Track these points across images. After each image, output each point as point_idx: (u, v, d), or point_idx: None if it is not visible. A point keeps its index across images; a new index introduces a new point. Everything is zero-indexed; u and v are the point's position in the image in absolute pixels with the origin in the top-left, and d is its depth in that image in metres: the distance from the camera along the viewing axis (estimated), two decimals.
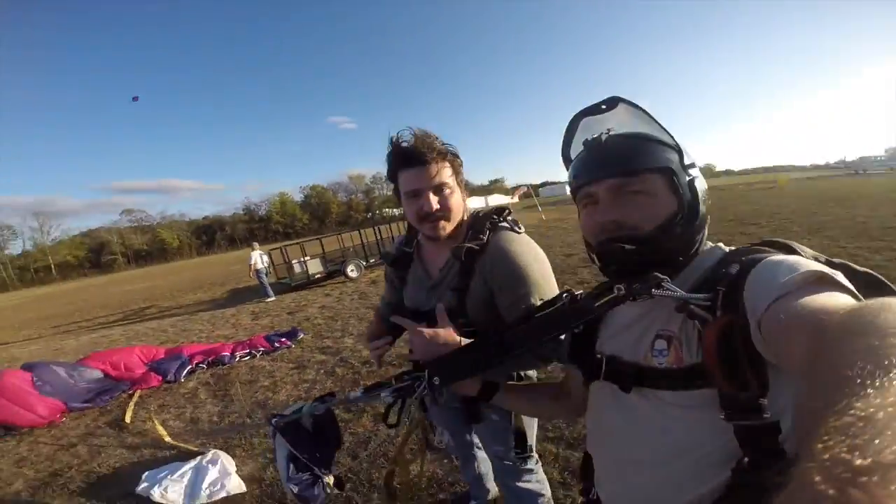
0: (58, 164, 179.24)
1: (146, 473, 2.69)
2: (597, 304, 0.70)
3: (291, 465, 0.99)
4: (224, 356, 5.03)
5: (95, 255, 79.07)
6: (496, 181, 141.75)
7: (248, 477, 2.61)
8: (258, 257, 10.45)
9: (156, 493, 2.44)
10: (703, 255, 0.73)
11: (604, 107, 0.75)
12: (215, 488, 2.47)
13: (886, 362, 0.27)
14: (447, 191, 1.15)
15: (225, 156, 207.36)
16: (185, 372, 4.75)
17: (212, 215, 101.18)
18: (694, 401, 0.64)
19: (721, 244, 0.75)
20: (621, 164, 0.70)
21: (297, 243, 12.24)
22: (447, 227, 1.18)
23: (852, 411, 0.23)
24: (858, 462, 0.19)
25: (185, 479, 2.56)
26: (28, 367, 4.34)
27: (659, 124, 0.73)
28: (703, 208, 0.71)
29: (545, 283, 1.15)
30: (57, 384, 4.18)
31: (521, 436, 1.33)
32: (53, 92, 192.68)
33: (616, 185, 0.70)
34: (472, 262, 1.17)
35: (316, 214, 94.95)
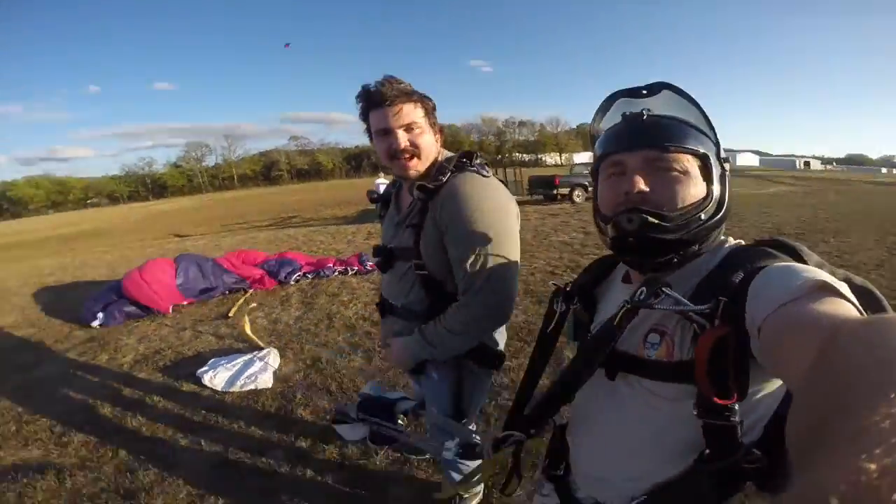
0: (247, 96, 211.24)
1: (212, 360, 3.01)
2: (616, 321, 0.68)
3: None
4: (326, 269, 5.39)
5: (267, 170, 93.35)
6: None
7: (282, 376, 2.84)
8: (380, 184, 11.11)
9: (206, 377, 2.77)
10: (713, 251, 0.73)
11: (644, 91, 0.74)
12: (250, 380, 2.72)
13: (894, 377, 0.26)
14: (417, 130, 1.16)
15: None
16: (293, 278, 5.18)
17: (361, 145, 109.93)
18: (673, 393, 0.67)
19: (730, 238, 0.75)
20: (661, 138, 0.69)
21: None
22: (418, 167, 1.18)
23: (867, 419, 0.22)
24: (871, 467, 0.19)
25: (234, 369, 2.83)
26: (177, 260, 5.02)
27: (704, 114, 0.72)
28: (727, 202, 0.71)
29: (498, 232, 1.13)
30: (192, 277, 4.77)
31: (457, 399, 1.32)
32: (245, 34, 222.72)
33: (652, 157, 0.69)
34: (426, 202, 1.17)
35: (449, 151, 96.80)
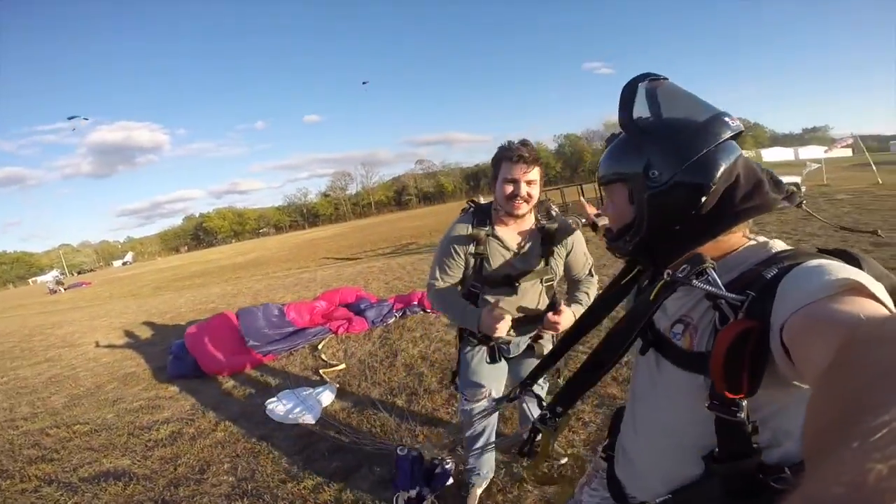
0: (381, 124, 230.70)
1: (283, 392, 3.48)
2: (652, 296, 0.70)
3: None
4: (413, 305, 5.46)
5: (398, 195, 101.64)
6: (815, 129, 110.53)
7: (328, 412, 3.13)
8: None
9: (269, 406, 3.25)
10: (751, 248, 0.72)
11: (661, 78, 0.76)
12: (297, 415, 3.06)
13: None
14: (534, 186, 1.64)
15: (491, 110, 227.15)
16: (381, 318, 5.25)
17: (480, 164, 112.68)
18: (688, 382, 0.69)
19: (778, 241, 0.72)
20: (600, 170, 0.80)
21: (558, 188, 14.37)
22: (525, 209, 1.65)
23: (879, 419, 0.22)
24: (879, 467, 0.19)
25: (292, 402, 3.22)
26: (238, 314, 4.90)
27: (659, 112, 0.71)
28: (657, 223, 0.71)
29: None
30: (254, 331, 4.62)
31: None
32: (374, 59, 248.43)
33: (604, 188, 0.81)
34: (552, 235, 1.73)
35: (569, 163, 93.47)
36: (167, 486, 2.59)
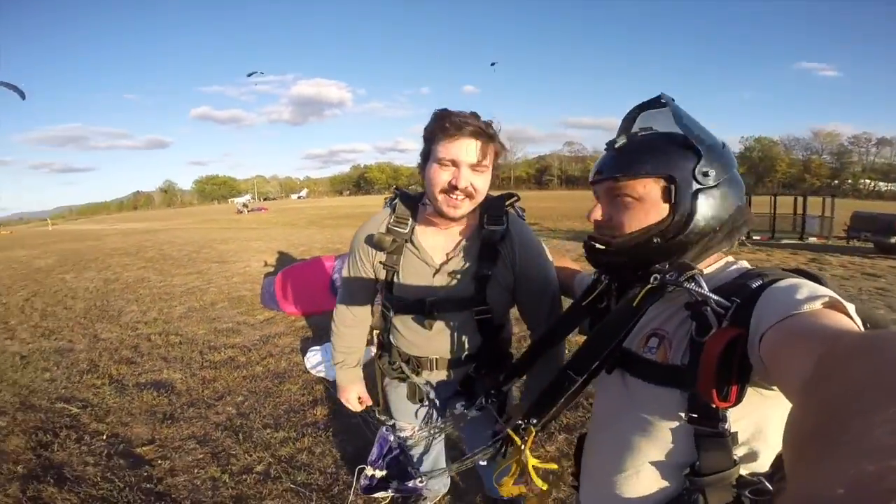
0: (535, 102, 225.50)
1: (328, 343, 3.53)
2: (635, 303, 0.69)
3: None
4: None
5: (539, 174, 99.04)
6: None
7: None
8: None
9: (308, 353, 3.47)
10: (727, 265, 0.76)
11: (659, 102, 0.77)
12: (324, 368, 3.25)
13: (892, 385, 0.27)
14: (482, 172, 1.12)
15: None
16: None
17: None
18: (663, 398, 0.68)
19: (744, 262, 0.76)
20: (619, 168, 0.75)
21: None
22: (465, 209, 1.13)
23: (868, 425, 0.23)
24: (872, 469, 0.19)
25: (327, 356, 3.30)
26: (338, 258, 5.02)
27: (689, 126, 0.72)
28: (701, 222, 0.71)
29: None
30: None
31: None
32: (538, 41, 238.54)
33: (609, 187, 0.76)
34: (495, 247, 1.19)
35: (755, 169, 78.30)
36: (184, 404, 2.96)
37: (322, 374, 3.24)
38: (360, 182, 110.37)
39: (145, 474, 2.22)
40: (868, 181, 65.22)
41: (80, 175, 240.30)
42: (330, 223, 18.42)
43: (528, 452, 0.87)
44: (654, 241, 0.72)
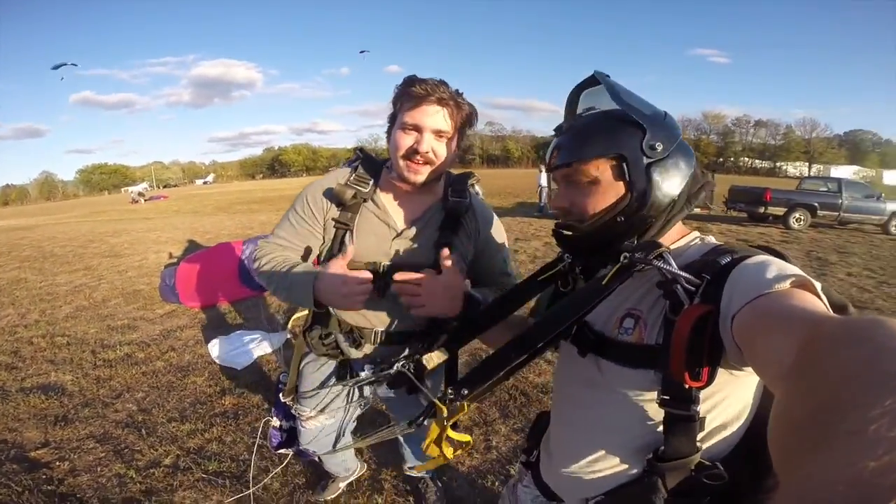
0: (458, 82, 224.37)
1: (235, 332, 3.59)
2: (605, 281, 0.68)
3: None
4: None
5: (463, 153, 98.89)
6: None
7: (263, 359, 3.25)
8: (541, 178, 11.53)
9: (211, 343, 3.40)
10: (692, 239, 0.77)
11: (594, 80, 0.78)
12: (231, 357, 3.21)
13: (883, 376, 0.26)
14: (445, 139, 1.13)
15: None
16: None
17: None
18: (636, 380, 0.68)
19: (712, 238, 0.77)
20: (570, 153, 0.74)
21: None
22: (426, 174, 1.14)
23: (863, 418, 0.22)
24: (871, 465, 0.19)
25: (233, 345, 3.33)
26: (246, 242, 4.79)
27: (627, 101, 0.72)
28: (659, 194, 0.70)
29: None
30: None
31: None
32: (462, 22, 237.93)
33: (565, 173, 0.76)
34: (458, 219, 1.22)
35: None
36: (77, 405, 2.80)
37: (228, 363, 3.20)
38: (273, 165, 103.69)
39: (44, 477, 2.13)
40: (747, 159, 75.06)
41: None
42: (241, 208, 17.26)
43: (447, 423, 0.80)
44: (619, 219, 0.72)
